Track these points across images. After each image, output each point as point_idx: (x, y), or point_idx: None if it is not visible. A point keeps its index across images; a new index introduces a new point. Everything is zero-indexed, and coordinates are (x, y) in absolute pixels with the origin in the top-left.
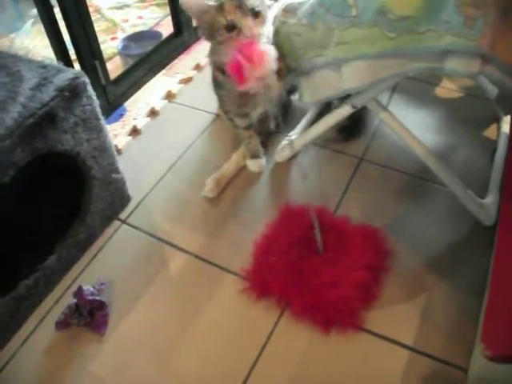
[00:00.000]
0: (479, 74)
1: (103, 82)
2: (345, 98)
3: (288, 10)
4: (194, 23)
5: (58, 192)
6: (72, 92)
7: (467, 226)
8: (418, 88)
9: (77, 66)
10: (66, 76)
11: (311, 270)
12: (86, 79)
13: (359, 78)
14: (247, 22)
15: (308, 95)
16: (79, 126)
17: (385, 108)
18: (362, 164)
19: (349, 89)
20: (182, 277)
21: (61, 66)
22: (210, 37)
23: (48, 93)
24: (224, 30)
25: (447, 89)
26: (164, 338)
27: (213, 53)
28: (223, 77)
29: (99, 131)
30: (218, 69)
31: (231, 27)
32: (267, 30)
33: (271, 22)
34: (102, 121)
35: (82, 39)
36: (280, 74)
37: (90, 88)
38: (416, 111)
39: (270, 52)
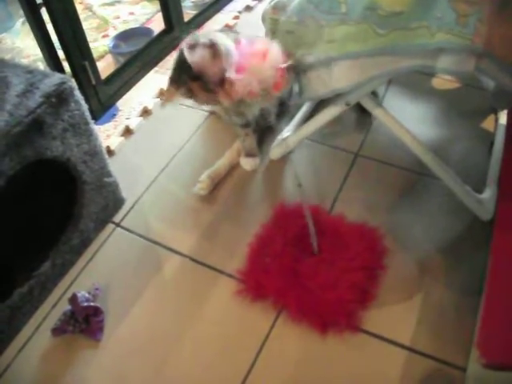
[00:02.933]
0: (474, 71)
1: (94, 82)
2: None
3: (277, 7)
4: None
5: (50, 198)
6: (59, 98)
7: (465, 221)
8: (415, 79)
9: (67, 65)
10: (52, 81)
11: (307, 271)
12: (73, 84)
13: (349, 77)
14: (218, 97)
15: (306, 93)
16: (68, 132)
17: (379, 104)
18: (357, 159)
19: (339, 89)
20: (176, 280)
21: (47, 70)
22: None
23: (34, 99)
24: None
25: (444, 79)
26: (160, 343)
27: None
28: None
29: (89, 135)
30: None
31: (196, 77)
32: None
33: (261, 19)
34: (92, 125)
35: (70, 40)
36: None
37: (77, 92)
38: (412, 103)
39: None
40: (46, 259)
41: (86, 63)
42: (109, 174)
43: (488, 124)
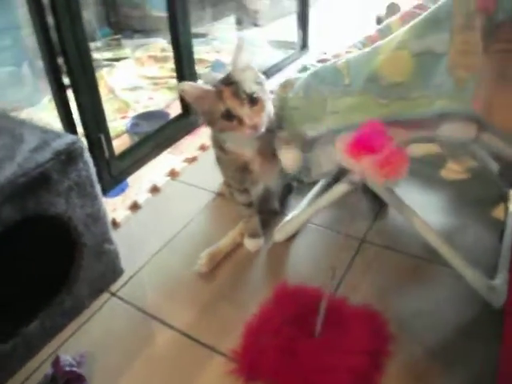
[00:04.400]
0: (476, 141)
1: (107, 155)
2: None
3: (286, 86)
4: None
5: (47, 257)
6: (68, 156)
7: (473, 310)
8: (423, 170)
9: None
10: (64, 141)
11: (305, 353)
12: (83, 145)
13: None
14: (244, 111)
15: (312, 170)
16: (73, 191)
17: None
18: (363, 245)
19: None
20: (168, 355)
21: (61, 132)
22: (211, 124)
23: (44, 155)
24: (223, 119)
25: (452, 170)
26: None
27: (214, 132)
28: (221, 153)
29: (93, 199)
30: (217, 145)
31: (230, 116)
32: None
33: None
34: (97, 189)
35: (88, 112)
36: None
37: (86, 154)
38: (421, 192)
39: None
40: (35, 319)
41: (102, 136)
42: (110, 241)
43: (498, 213)
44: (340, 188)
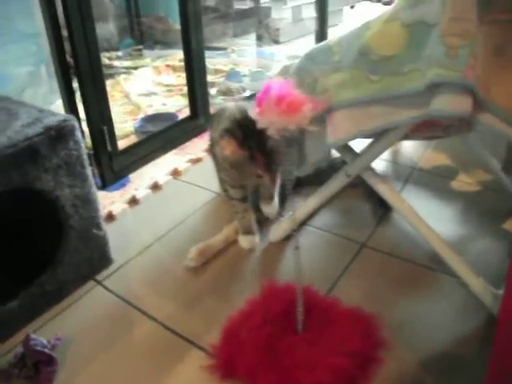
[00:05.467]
0: (473, 119)
1: (109, 148)
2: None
3: (283, 72)
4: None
5: (34, 238)
6: (58, 132)
7: (473, 322)
8: (433, 181)
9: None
10: (56, 118)
11: (285, 350)
12: (76, 124)
13: (342, 129)
14: (271, 178)
15: (305, 163)
16: (62, 169)
17: (383, 179)
18: (363, 250)
19: (332, 143)
20: (145, 346)
21: (57, 112)
22: (236, 170)
23: (35, 129)
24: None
25: (464, 182)
26: None
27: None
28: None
29: (83, 180)
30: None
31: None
32: None
33: None
34: (88, 170)
35: (92, 103)
36: None
37: (78, 133)
38: (430, 202)
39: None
40: (14, 298)
41: (105, 128)
42: (99, 227)
43: (509, 225)
44: (334, 184)
